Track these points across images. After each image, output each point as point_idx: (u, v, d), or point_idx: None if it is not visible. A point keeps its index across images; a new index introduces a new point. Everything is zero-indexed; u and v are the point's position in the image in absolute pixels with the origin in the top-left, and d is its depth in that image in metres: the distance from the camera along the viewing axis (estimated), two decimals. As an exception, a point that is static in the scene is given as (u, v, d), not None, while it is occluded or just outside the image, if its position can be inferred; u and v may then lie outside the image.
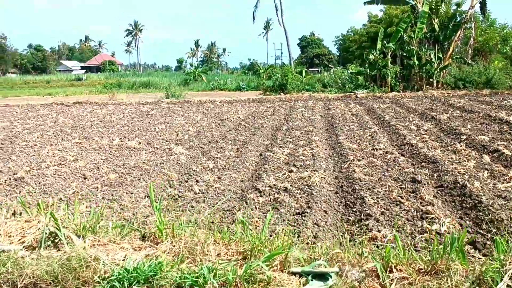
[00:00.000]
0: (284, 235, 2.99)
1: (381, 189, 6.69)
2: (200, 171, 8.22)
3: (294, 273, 2.58)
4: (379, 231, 4.92)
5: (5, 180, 7.87)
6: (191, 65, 76.30)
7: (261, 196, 6.51)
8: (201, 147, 10.63)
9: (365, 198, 6.18)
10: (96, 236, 3.17)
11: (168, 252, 2.87)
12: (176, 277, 2.44)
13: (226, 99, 23.85)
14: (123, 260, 2.72)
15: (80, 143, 11.47)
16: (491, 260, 2.45)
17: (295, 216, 5.64)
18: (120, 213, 6.12)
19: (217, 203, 6.37)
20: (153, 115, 17.30)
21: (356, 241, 4.74)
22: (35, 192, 7.15)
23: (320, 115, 16.29)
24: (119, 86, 41.56)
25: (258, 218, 5.62)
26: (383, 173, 7.61)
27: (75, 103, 23.96)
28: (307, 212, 5.64)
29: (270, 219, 3.70)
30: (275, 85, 28.94)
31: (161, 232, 3.03)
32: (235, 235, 3.06)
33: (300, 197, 6.44)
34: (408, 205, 5.89)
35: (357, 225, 5.36)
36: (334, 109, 17.95)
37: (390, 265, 2.55)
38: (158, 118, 16.25)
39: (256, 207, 6.04)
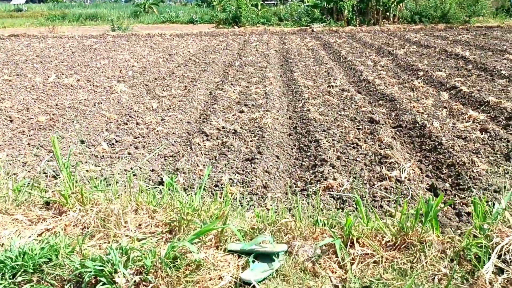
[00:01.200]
0: (223, 199, 2.42)
1: (337, 130, 6.23)
2: (142, 112, 7.47)
3: (232, 252, 2.05)
4: (335, 179, 4.48)
5: None
6: (141, -4, 71.76)
7: (208, 140, 5.92)
8: (145, 85, 9.77)
9: (320, 141, 5.70)
10: (-16, 204, 2.48)
11: (75, 225, 2.26)
12: (76, 264, 1.85)
13: (177, 32, 22.49)
14: (12, 238, 2.10)
15: (10, 80, 10.31)
16: (474, 229, 1.99)
17: (244, 163, 5.11)
18: (48, 161, 5.38)
19: (157, 148, 5.73)
20: (96, 50, 15.98)
21: (309, 191, 4.31)
22: None
23: (275, 50, 15.53)
24: (63, 18, 38.68)
25: (204, 165, 5.05)
26: (339, 113, 7.14)
27: (10, 35, 21.92)
28: (258, 158, 5.12)
29: (208, 175, 3.12)
30: (229, 18, 27.54)
31: (66, 199, 2.39)
32: (163, 199, 2.47)
33: (251, 141, 5.89)
34: (365, 148, 5.47)
35: (311, 171, 4.90)
36: (289, 44, 17.18)
37: (351, 238, 2.05)
38: (101, 53, 14.99)
39: (202, 153, 5.45)
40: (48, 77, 10.61)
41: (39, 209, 2.42)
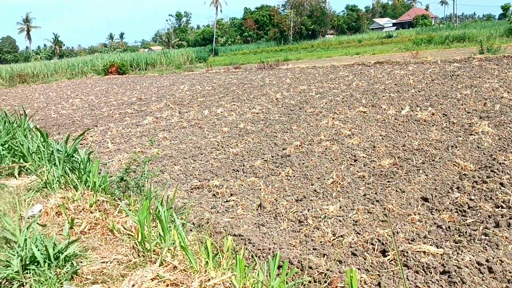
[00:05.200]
0: None
1: None
2: (510, 166, 5.67)
3: None
4: None
5: (272, 156, 7.28)
6: (519, 11, 63.99)
7: None
8: (517, 124, 7.74)
9: None
10: None
11: None
12: None
13: None
14: None
15: (364, 112, 10.16)
16: None
17: None
18: (378, 226, 4.48)
19: (531, 231, 3.97)
20: (458, 76, 14.45)
21: None
22: (294, 176, 6.23)
23: None
24: (429, 42, 38.65)
25: None
26: None
27: (375, 63, 22.84)
28: None
29: None
30: None
31: None
32: None
33: None
34: None
35: None
36: None
37: None
38: (463, 80, 13.38)
39: None
40: (402, 109, 9.93)
41: None
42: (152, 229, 3.32)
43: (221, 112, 12.23)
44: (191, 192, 6.05)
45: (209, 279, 2.27)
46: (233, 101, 14.21)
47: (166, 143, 9.16)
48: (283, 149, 7.60)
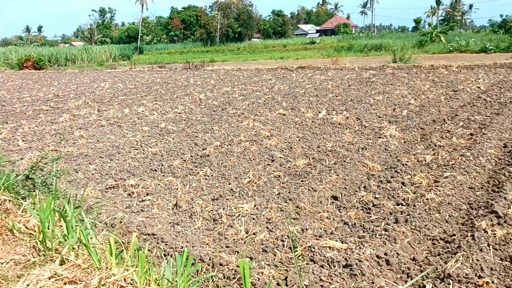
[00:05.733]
0: None
1: None
2: (411, 167, 6.13)
3: None
4: None
5: (192, 156, 7.29)
6: (430, 25, 68.80)
7: (500, 225, 4.17)
8: (421, 128, 8.34)
9: None
10: None
11: None
12: None
13: (465, 63, 19.97)
14: None
15: (284, 114, 10.45)
16: None
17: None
18: (291, 222, 4.65)
19: (425, 225, 4.32)
20: (373, 83, 15.29)
21: None
22: (211, 176, 6.28)
23: None
24: (349, 49, 40.53)
25: (493, 279, 3.41)
26: None
27: (298, 67, 23.52)
28: None
29: None
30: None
31: None
32: None
33: None
34: None
35: None
36: None
37: None
38: (377, 87, 14.18)
39: (488, 247, 3.78)
40: (319, 112, 10.33)
41: None
42: (58, 228, 3.22)
43: (142, 111, 12.01)
44: (106, 191, 5.90)
45: (110, 276, 2.26)
46: (156, 100, 14.01)
47: (82, 141, 8.83)
48: (203, 149, 7.62)
